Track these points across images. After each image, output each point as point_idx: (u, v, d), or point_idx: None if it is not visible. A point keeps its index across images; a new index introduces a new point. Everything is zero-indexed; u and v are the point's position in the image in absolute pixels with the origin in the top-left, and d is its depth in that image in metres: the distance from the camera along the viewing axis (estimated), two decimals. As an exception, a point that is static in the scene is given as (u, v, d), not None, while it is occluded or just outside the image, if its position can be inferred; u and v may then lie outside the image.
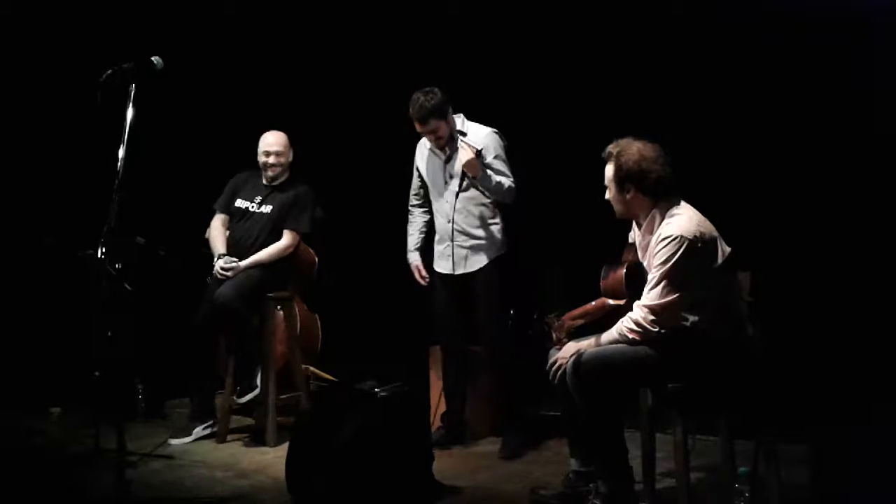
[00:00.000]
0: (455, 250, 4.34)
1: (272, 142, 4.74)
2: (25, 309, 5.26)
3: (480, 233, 4.31)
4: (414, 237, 4.57)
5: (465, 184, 4.27)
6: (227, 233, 4.78)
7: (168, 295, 5.11)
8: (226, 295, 4.45)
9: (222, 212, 4.81)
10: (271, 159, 4.72)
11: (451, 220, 4.33)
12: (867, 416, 3.47)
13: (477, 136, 4.25)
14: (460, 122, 4.32)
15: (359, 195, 5.57)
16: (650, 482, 3.29)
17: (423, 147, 4.45)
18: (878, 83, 3.99)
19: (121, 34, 5.18)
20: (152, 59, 3.73)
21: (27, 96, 5.28)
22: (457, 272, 4.35)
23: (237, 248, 4.68)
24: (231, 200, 4.81)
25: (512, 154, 4.32)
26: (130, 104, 3.59)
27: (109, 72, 3.63)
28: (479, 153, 4.13)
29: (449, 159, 4.31)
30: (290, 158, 4.78)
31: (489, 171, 4.18)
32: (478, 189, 4.26)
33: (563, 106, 4.81)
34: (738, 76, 4.37)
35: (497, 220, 4.32)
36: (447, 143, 4.29)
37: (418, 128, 4.26)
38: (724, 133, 4.38)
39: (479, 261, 4.31)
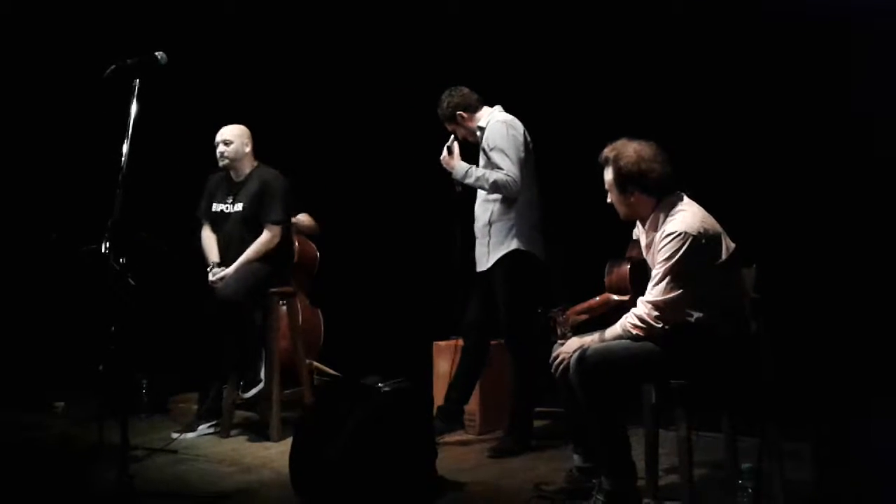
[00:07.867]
0: (477, 248, 4.33)
1: (224, 130, 4.68)
2: (30, 303, 5.28)
3: (490, 230, 4.26)
4: None
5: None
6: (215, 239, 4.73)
7: (171, 290, 5.11)
8: (229, 289, 4.45)
9: (206, 220, 4.77)
10: (220, 147, 4.66)
11: (475, 218, 4.34)
12: (871, 412, 3.47)
13: (489, 128, 4.23)
14: (487, 115, 4.27)
15: (362, 189, 5.58)
16: (653, 478, 3.29)
17: None
18: (878, 81, 3.98)
19: (125, 30, 5.19)
20: (156, 54, 3.72)
21: (32, 92, 5.29)
22: (478, 269, 4.33)
23: (225, 252, 4.64)
24: (209, 206, 4.76)
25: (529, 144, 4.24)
26: (134, 100, 3.59)
27: (113, 67, 3.63)
28: (450, 150, 4.20)
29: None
30: (247, 149, 4.69)
31: (471, 168, 4.16)
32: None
33: (563, 102, 4.81)
34: (742, 73, 4.36)
35: (509, 216, 4.21)
36: (474, 139, 4.28)
37: (446, 125, 4.31)
38: (728, 129, 4.38)
39: (491, 259, 4.26)
